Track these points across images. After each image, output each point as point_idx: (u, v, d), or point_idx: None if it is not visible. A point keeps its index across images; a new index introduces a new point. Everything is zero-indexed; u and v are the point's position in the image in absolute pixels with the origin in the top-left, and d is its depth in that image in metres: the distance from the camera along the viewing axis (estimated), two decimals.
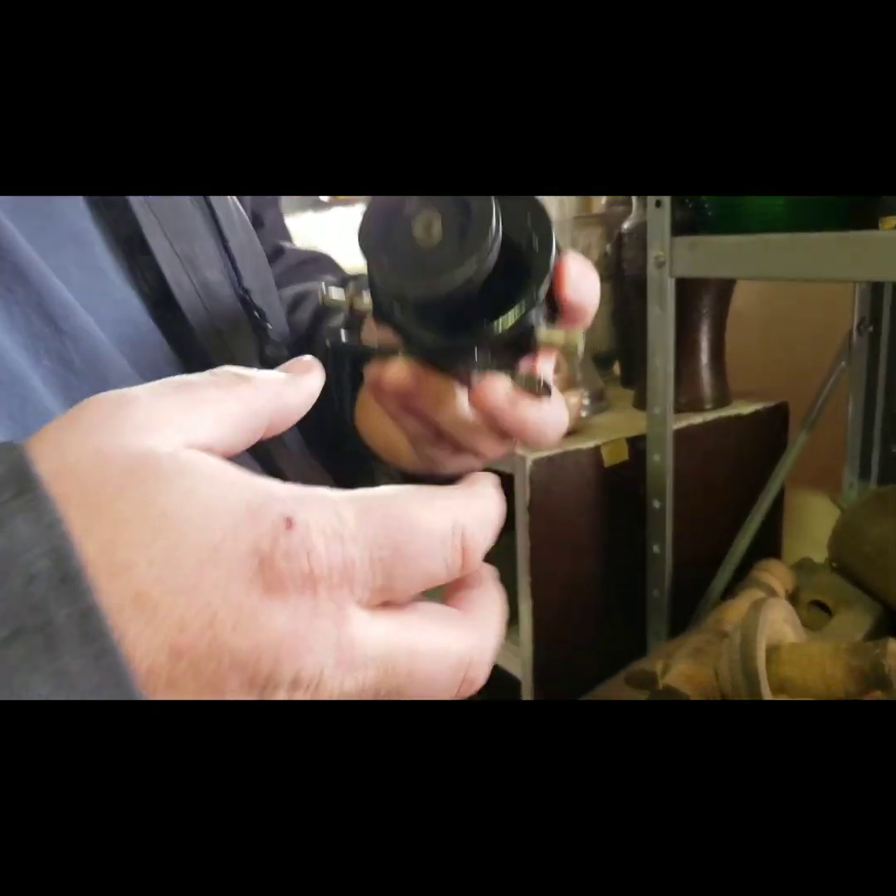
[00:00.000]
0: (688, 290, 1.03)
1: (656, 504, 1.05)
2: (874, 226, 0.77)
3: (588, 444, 1.04)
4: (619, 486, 1.06)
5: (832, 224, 0.82)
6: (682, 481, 1.06)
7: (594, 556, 1.08)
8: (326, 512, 0.20)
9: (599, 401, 1.22)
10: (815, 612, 1.00)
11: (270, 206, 0.56)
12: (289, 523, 0.19)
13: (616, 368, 1.43)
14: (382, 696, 0.21)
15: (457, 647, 0.23)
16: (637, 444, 1.06)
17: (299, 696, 0.19)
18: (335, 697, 0.20)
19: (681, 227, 0.89)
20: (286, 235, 0.58)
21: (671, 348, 0.96)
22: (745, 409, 1.15)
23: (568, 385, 1.08)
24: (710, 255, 0.85)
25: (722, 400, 1.15)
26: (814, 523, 1.26)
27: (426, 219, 0.28)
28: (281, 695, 0.19)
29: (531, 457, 0.99)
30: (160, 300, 0.37)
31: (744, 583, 1.02)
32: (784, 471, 1.13)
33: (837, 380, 1.11)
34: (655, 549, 1.07)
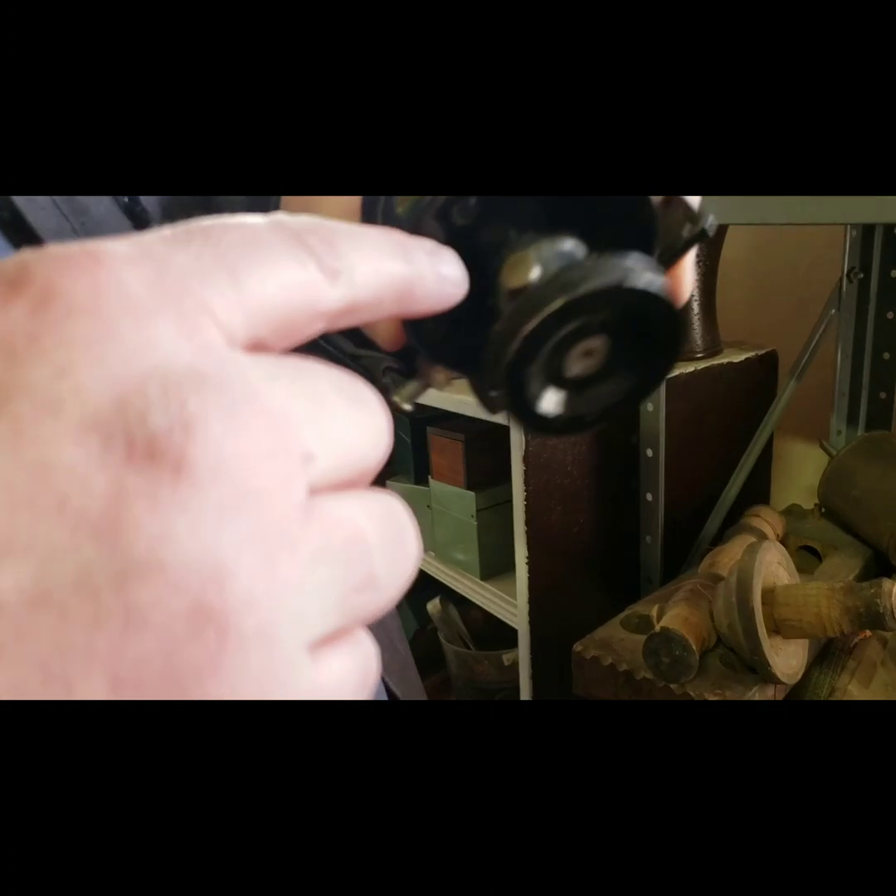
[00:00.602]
0: None
1: (649, 452, 1.06)
2: None
3: None
4: (612, 434, 1.08)
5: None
6: (674, 429, 1.08)
7: (588, 505, 1.09)
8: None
9: None
10: (804, 556, 1.02)
11: None
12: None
13: None
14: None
15: None
16: None
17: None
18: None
19: None
20: None
21: None
22: (736, 357, 1.16)
23: None
24: (704, 201, 0.85)
25: (713, 348, 1.16)
26: (802, 470, 1.28)
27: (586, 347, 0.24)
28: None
29: None
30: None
31: (735, 528, 1.04)
32: (773, 418, 1.14)
33: (826, 328, 1.13)
34: (648, 496, 1.08)
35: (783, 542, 1.02)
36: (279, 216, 0.19)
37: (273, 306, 0.18)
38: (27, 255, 0.16)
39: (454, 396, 1.11)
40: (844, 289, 1.12)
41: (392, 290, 0.21)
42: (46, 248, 0.16)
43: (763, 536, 0.97)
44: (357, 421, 0.18)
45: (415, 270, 0.21)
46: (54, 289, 0.16)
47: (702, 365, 1.13)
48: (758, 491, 1.22)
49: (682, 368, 1.11)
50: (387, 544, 0.18)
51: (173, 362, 0.16)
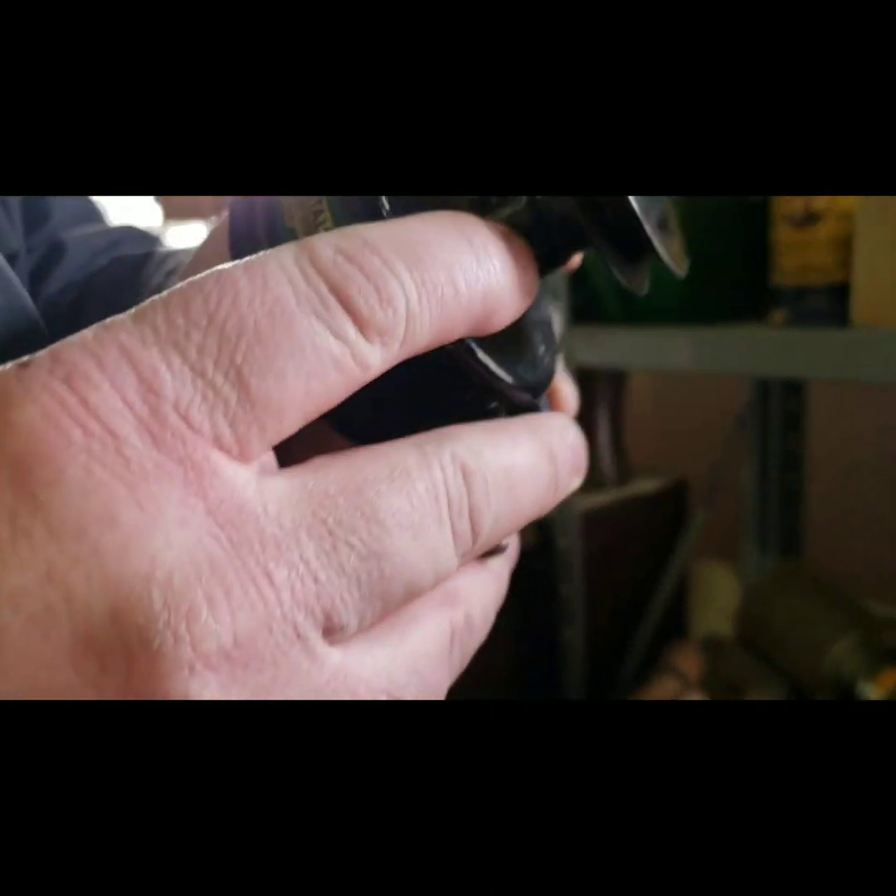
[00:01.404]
0: (586, 372, 1.04)
1: (565, 588, 1.04)
2: (763, 319, 0.79)
3: None
4: (529, 571, 1.05)
5: (723, 316, 0.84)
6: (589, 561, 1.06)
7: (506, 646, 1.06)
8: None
9: None
10: (726, 694, 1.00)
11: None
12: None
13: None
14: (366, 575, 0.14)
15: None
16: (544, 527, 1.05)
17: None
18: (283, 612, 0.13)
19: (578, 316, 0.90)
20: (88, 218, 0.42)
21: None
22: (647, 486, 1.17)
23: None
24: (608, 346, 0.86)
25: (623, 478, 1.16)
26: (719, 595, 1.28)
27: None
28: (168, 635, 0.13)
29: None
30: None
31: (656, 668, 1.01)
32: (687, 546, 1.14)
33: (733, 455, 1.14)
34: (567, 633, 1.05)
35: (703, 680, 1.00)
36: (308, 244, 0.15)
37: (296, 404, 0.14)
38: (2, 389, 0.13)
39: None
40: (747, 417, 1.14)
41: (466, 314, 0.16)
42: (22, 374, 0.13)
43: (683, 677, 0.95)
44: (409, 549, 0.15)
45: (495, 281, 0.17)
46: (37, 448, 0.13)
47: (613, 496, 1.13)
48: (676, 619, 1.21)
49: (595, 499, 1.10)
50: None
51: (180, 546, 0.13)
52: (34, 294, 0.34)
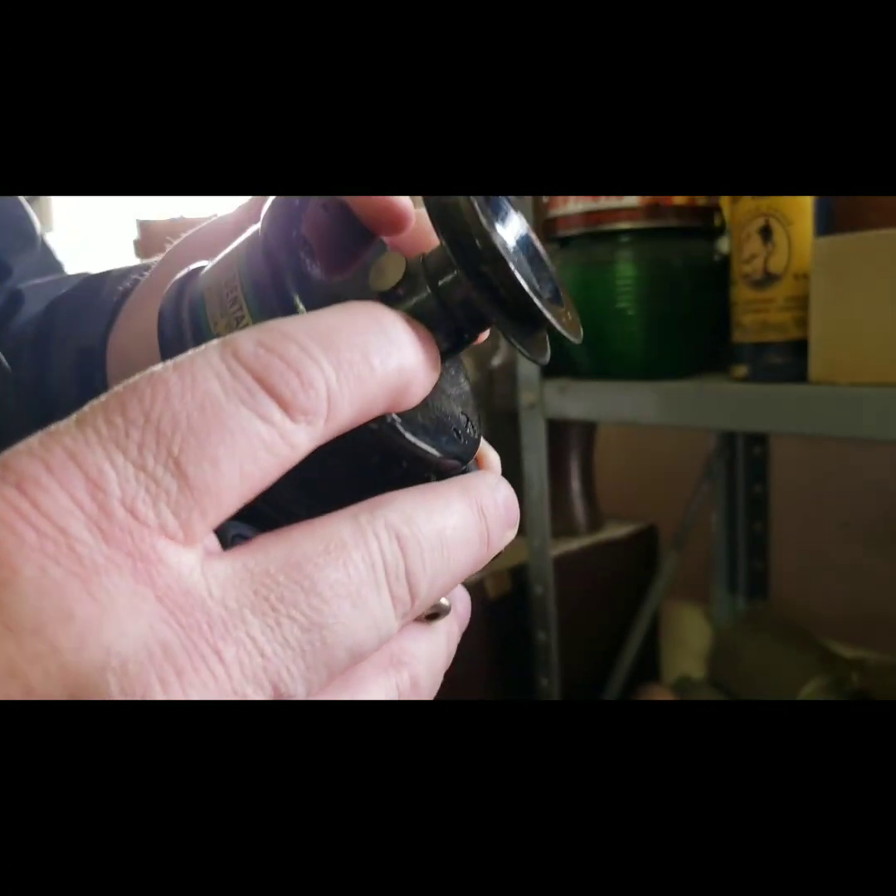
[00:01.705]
0: (558, 423, 1.08)
1: (541, 636, 1.06)
2: (727, 373, 0.83)
3: (473, 577, 1.04)
4: (504, 617, 1.07)
5: (688, 371, 0.87)
6: (563, 607, 1.08)
7: (482, 692, 1.07)
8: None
9: None
10: None
11: (22, 250, 0.43)
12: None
13: None
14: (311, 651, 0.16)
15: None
16: (520, 574, 1.07)
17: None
18: (231, 690, 0.15)
19: (550, 370, 0.93)
20: (48, 271, 0.45)
21: (545, 483, 0.99)
22: (618, 532, 1.19)
23: None
24: (578, 399, 0.89)
25: (595, 525, 1.18)
26: (691, 637, 1.30)
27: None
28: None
29: None
30: None
31: None
32: (658, 590, 1.17)
33: (701, 500, 1.17)
34: (543, 681, 1.07)
35: None
36: (230, 341, 0.16)
37: (233, 487, 0.16)
38: None
39: None
40: (714, 463, 1.17)
41: (383, 388, 0.18)
42: None
43: None
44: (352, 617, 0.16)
45: (406, 357, 0.18)
46: None
47: (586, 542, 1.15)
48: (649, 661, 1.23)
49: (567, 546, 1.13)
50: None
51: (133, 634, 0.14)
52: None
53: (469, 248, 0.20)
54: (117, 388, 0.16)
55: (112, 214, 2.61)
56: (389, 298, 0.21)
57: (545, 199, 0.93)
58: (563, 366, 0.94)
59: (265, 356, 0.16)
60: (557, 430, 1.11)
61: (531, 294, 0.20)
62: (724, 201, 0.86)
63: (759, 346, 0.78)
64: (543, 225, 0.92)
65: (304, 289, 0.20)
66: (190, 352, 0.16)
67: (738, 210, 0.78)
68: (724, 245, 0.89)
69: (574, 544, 1.14)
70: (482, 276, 0.20)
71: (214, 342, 0.17)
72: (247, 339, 0.16)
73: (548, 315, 0.21)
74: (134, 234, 2.07)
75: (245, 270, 0.21)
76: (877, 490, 1.13)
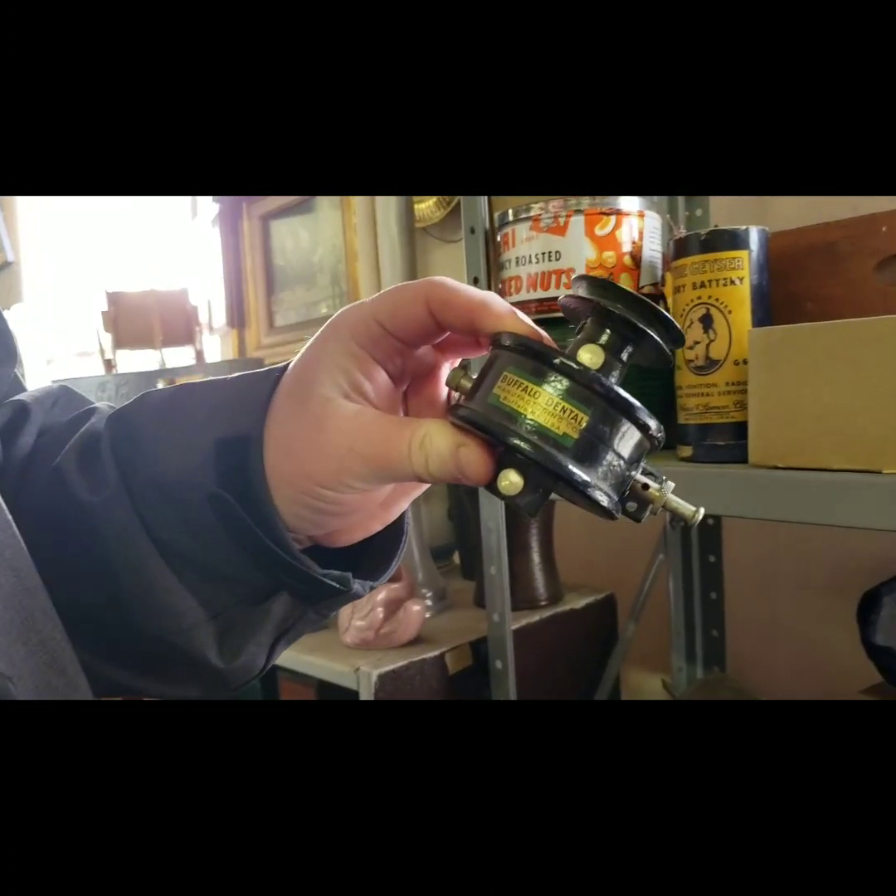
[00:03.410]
0: None
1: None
2: (673, 452, 0.86)
3: (433, 652, 1.05)
4: (464, 691, 1.08)
5: None
6: (523, 678, 1.09)
7: None
8: None
9: (442, 600, 1.25)
10: None
11: (3, 364, 0.42)
12: None
13: (456, 558, 1.48)
14: None
15: None
16: (480, 648, 1.09)
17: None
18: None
19: None
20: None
21: (505, 557, 1.01)
22: (577, 603, 1.21)
23: (410, 593, 1.11)
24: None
25: (555, 596, 1.20)
26: None
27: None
28: None
29: (375, 672, 0.99)
30: None
31: None
32: (617, 660, 1.19)
33: (658, 570, 1.20)
34: None
35: None
36: None
37: None
38: None
39: (303, 657, 1.10)
40: (669, 534, 1.20)
41: None
42: None
43: None
44: None
45: None
46: None
47: (546, 613, 1.17)
48: None
49: (528, 618, 1.15)
50: None
51: None
52: None
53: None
54: None
55: (81, 285, 2.64)
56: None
57: (500, 284, 0.97)
58: None
59: None
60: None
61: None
62: (668, 290, 0.91)
63: (702, 428, 0.81)
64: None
65: None
66: None
67: (680, 299, 0.82)
68: None
69: (534, 616, 1.15)
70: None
71: None
72: None
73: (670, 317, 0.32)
74: (103, 305, 2.09)
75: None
76: (828, 556, 1.16)
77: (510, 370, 0.31)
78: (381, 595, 1.07)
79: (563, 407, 0.30)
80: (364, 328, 0.33)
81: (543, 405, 0.30)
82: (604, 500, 0.31)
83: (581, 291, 0.33)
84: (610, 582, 1.29)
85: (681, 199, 1.15)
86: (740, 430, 0.78)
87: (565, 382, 0.31)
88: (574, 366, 0.31)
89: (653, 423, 0.32)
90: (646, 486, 0.33)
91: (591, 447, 0.31)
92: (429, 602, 1.21)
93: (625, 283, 0.88)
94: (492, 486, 0.32)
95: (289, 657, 1.13)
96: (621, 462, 0.32)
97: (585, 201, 0.86)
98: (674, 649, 1.23)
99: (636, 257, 0.88)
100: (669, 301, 0.91)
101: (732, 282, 0.79)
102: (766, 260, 0.80)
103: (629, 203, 0.87)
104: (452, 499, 1.37)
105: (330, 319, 0.34)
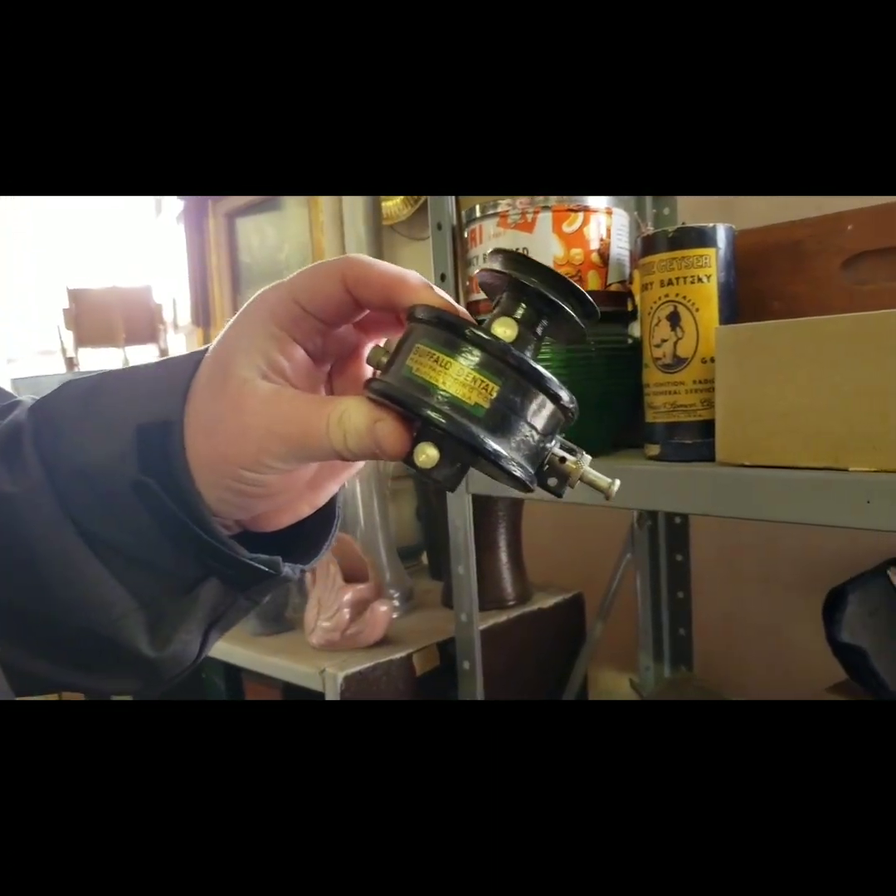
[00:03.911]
0: (485, 500, 1.10)
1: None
2: (640, 451, 0.86)
3: (400, 653, 1.04)
4: (431, 692, 1.07)
5: (603, 449, 0.90)
6: (491, 678, 1.09)
7: None
8: None
9: (409, 600, 1.24)
10: None
11: None
12: None
13: (424, 558, 1.47)
14: None
15: None
16: (448, 648, 1.08)
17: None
18: None
19: None
20: None
21: (473, 557, 1.00)
22: (546, 602, 1.21)
23: (377, 593, 1.09)
24: None
25: (524, 596, 1.20)
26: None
27: None
28: None
29: (341, 674, 0.98)
30: None
31: None
32: (585, 660, 1.18)
33: (625, 569, 1.20)
34: None
35: None
36: None
37: None
38: None
39: (267, 659, 1.08)
40: (636, 534, 1.20)
41: None
42: None
43: None
44: None
45: None
46: None
47: (514, 613, 1.16)
48: None
49: (496, 618, 1.14)
50: None
51: None
52: None
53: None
54: None
55: (43, 282, 2.60)
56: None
57: (468, 281, 0.96)
58: None
59: None
60: (486, 508, 1.13)
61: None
62: (636, 287, 0.91)
63: (669, 426, 0.81)
64: (467, 308, 0.95)
65: None
66: None
67: (648, 297, 0.82)
68: (635, 330, 0.93)
69: (502, 616, 1.15)
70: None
71: None
72: None
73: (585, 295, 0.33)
74: (64, 303, 2.06)
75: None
76: (794, 554, 1.17)
77: (423, 342, 0.31)
78: (348, 595, 1.06)
79: (474, 377, 0.31)
80: (282, 308, 0.33)
81: (454, 376, 0.30)
82: (517, 471, 0.31)
83: (496, 265, 0.34)
84: (578, 581, 1.28)
85: (648, 198, 1.15)
86: (708, 428, 0.78)
87: (476, 353, 0.31)
88: (484, 336, 0.31)
89: (565, 394, 0.32)
90: (563, 460, 0.34)
91: (503, 417, 0.31)
92: (396, 602, 1.20)
93: (593, 280, 0.87)
94: (409, 460, 0.32)
95: (253, 659, 1.11)
96: (534, 433, 0.32)
97: (553, 198, 0.86)
98: (641, 648, 1.23)
99: (604, 254, 0.88)
100: (637, 299, 0.91)
101: (700, 279, 0.79)
102: (733, 257, 0.80)
103: (597, 200, 0.87)
104: (421, 498, 1.36)
105: (249, 300, 0.34)
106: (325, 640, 1.06)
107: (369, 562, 1.12)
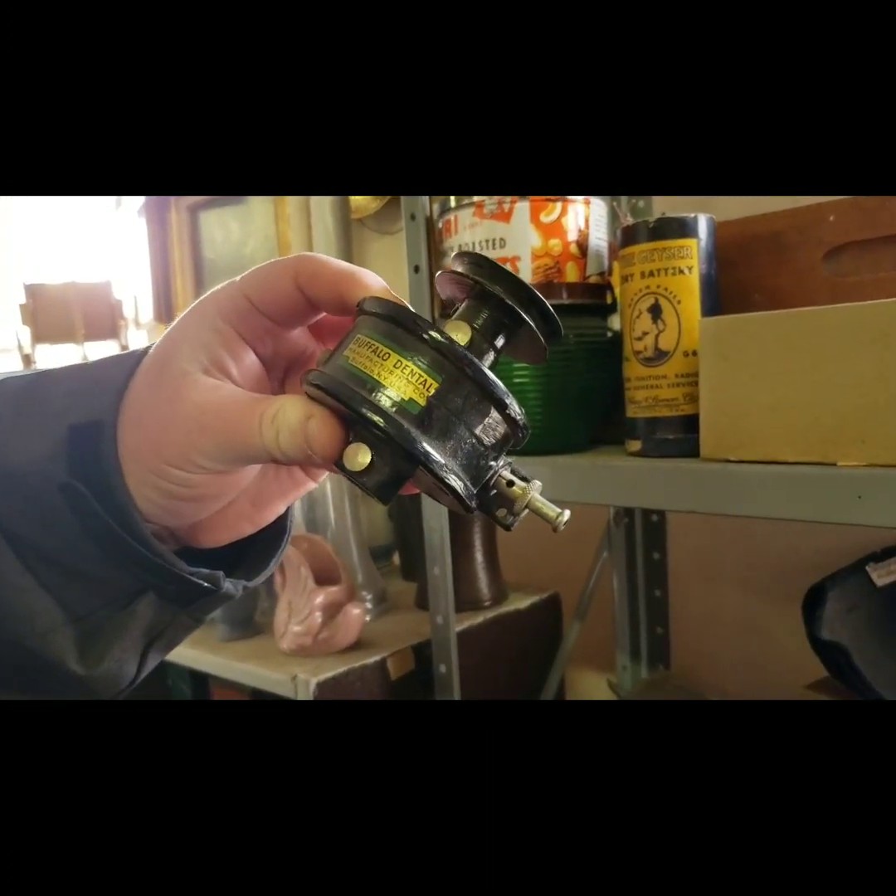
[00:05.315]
0: None
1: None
2: (621, 447, 0.84)
3: (374, 657, 1.01)
4: (407, 697, 1.04)
5: (583, 445, 0.88)
6: (468, 682, 1.06)
7: None
8: None
9: (382, 603, 1.21)
10: None
11: None
12: None
13: (396, 559, 1.44)
14: None
15: None
16: (423, 651, 1.05)
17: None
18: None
19: None
20: None
21: (448, 557, 0.97)
22: (522, 603, 1.19)
23: (350, 596, 1.06)
24: None
25: (499, 597, 1.18)
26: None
27: None
28: None
29: (314, 679, 0.95)
30: None
31: None
32: (562, 660, 1.16)
33: (602, 568, 1.18)
34: None
35: None
36: None
37: None
38: None
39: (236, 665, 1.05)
40: (613, 533, 1.18)
41: None
42: None
43: None
44: None
45: None
46: None
47: (490, 614, 1.14)
48: None
49: (472, 619, 1.11)
50: None
51: None
52: None
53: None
54: None
55: None
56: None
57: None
58: None
59: None
60: None
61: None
62: (616, 279, 0.89)
63: (651, 421, 0.79)
64: (442, 304, 0.93)
65: None
66: None
67: (628, 289, 0.80)
68: (615, 322, 0.91)
69: (478, 618, 1.12)
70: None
71: None
72: None
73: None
74: (21, 298, 2.00)
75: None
76: (772, 551, 1.16)
77: (364, 332, 0.29)
78: (320, 598, 1.03)
79: (412, 370, 0.28)
80: (231, 303, 0.32)
81: (391, 367, 0.28)
82: (452, 480, 0.28)
83: (460, 268, 0.31)
84: (554, 581, 1.26)
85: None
86: (691, 423, 0.76)
87: (419, 346, 0.28)
88: (432, 331, 0.28)
89: (515, 406, 0.30)
90: (511, 484, 0.31)
91: (440, 419, 0.28)
92: (369, 605, 1.17)
93: (572, 272, 0.85)
94: (340, 465, 0.29)
95: (221, 665, 1.08)
96: (476, 443, 0.29)
97: None
98: (619, 648, 1.21)
99: (583, 245, 0.86)
100: (617, 291, 0.89)
101: (681, 271, 0.77)
102: (714, 249, 0.78)
103: None
104: (395, 501, 1.33)
105: (200, 297, 0.33)
106: (296, 645, 1.03)
107: (341, 563, 1.09)
